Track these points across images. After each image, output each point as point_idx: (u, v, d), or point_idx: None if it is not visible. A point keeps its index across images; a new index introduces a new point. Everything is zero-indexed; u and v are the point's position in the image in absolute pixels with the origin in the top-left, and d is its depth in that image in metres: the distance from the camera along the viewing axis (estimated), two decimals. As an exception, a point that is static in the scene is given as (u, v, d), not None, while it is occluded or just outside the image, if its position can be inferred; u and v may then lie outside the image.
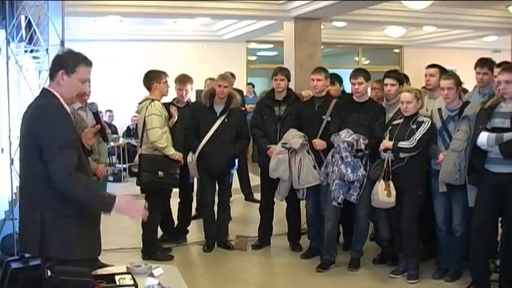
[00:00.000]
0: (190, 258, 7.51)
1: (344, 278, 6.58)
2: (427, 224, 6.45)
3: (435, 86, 6.64)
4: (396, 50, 20.00)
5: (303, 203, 7.41)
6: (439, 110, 6.29)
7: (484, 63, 6.57)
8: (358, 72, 6.73)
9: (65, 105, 3.75)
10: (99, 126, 4.51)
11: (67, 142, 3.55)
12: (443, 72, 6.65)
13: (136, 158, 7.36)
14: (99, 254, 3.96)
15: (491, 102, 5.74)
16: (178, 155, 7.05)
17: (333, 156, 6.53)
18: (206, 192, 7.53)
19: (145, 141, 7.02)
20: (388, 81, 6.74)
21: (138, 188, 7.28)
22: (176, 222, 7.99)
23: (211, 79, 8.52)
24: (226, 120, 7.32)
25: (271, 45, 18.13)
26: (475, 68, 6.66)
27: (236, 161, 7.82)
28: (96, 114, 4.79)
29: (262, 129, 7.36)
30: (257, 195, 7.93)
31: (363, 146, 6.35)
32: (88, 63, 3.82)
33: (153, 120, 6.91)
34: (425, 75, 6.84)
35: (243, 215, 9.42)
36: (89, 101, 6.39)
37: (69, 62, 3.72)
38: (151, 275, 3.94)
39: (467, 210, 6.09)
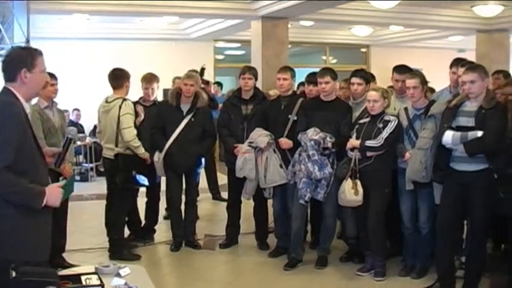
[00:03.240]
0: (157, 258, 7.47)
1: (311, 276, 6.60)
2: (394, 221, 6.49)
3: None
4: (363, 49, 20.13)
5: (270, 202, 7.42)
6: (405, 109, 6.35)
7: (460, 63, 6.59)
8: (325, 72, 6.75)
9: (24, 104, 3.70)
10: (60, 153, 4.41)
11: (6, 141, 3.51)
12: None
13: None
14: (47, 258, 3.87)
15: (456, 101, 5.80)
16: (145, 155, 7.03)
17: (300, 154, 6.54)
18: (173, 191, 7.50)
19: (120, 141, 6.97)
20: (354, 80, 6.78)
21: (105, 187, 7.24)
22: (143, 221, 7.95)
23: (179, 78, 8.50)
24: (193, 119, 7.29)
25: (238, 44, 18.14)
26: (450, 67, 6.71)
27: (203, 160, 7.79)
28: (68, 142, 4.62)
29: (229, 128, 7.36)
30: (224, 194, 7.92)
31: (329, 144, 6.37)
32: (40, 52, 3.80)
33: (128, 119, 6.89)
34: (396, 81, 6.84)
35: (211, 214, 9.41)
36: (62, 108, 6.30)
37: (27, 59, 3.68)
38: (118, 275, 3.93)
39: (433, 208, 6.17)
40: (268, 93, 8.10)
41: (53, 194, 3.68)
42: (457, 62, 6.60)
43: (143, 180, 6.99)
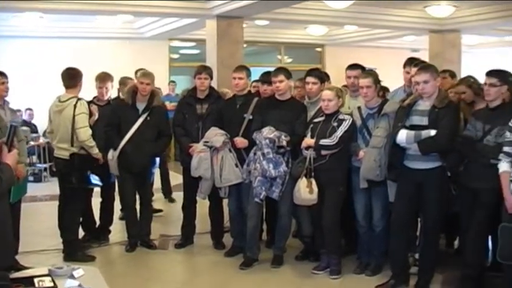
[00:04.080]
0: (112, 258, 7.42)
1: (267, 275, 6.61)
2: (348, 220, 6.55)
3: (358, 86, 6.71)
4: (318, 49, 20.20)
5: (225, 201, 7.41)
6: (359, 108, 6.41)
7: (413, 62, 6.66)
8: (279, 71, 6.77)
9: None
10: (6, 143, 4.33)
11: None
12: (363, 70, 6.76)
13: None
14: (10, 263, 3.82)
15: (410, 100, 5.89)
16: (99, 155, 6.97)
17: (255, 153, 6.55)
18: (127, 191, 7.45)
19: (75, 140, 6.89)
20: (309, 79, 6.81)
21: (57, 187, 7.16)
22: (98, 222, 7.87)
23: (128, 78, 8.50)
24: (148, 118, 7.25)
25: (193, 44, 18.05)
26: (404, 67, 6.78)
27: (157, 159, 7.75)
28: (12, 130, 4.49)
29: (184, 128, 7.33)
30: (180, 194, 7.89)
31: (284, 143, 6.39)
32: None
33: (84, 119, 6.82)
34: (348, 77, 6.91)
35: (166, 213, 9.36)
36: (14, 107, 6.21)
37: None
38: (72, 277, 3.89)
39: (387, 206, 6.25)
40: (223, 92, 8.07)
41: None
42: (410, 62, 6.68)
43: (96, 180, 6.93)
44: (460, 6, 13.63)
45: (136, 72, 7.92)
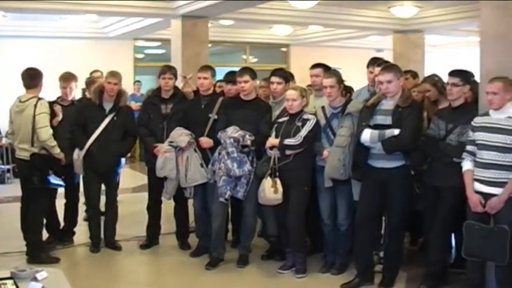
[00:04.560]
0: (77, 260, 7.35)
1: (233, 275, 6.62)
2: (314, 219, 6.57)
3: (321, 85, 6.74)
4: (283, 49, 20.25)
5: (190, 202, 7.39)
6: (323, 107, 6.43)
7: (376, 62, 6.70)
8: (244, 71, 6.78)
9: None
10: None
11: None
12: (328, 70, 6.78)
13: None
14: None
15: (374, 100, 5.94)
16: (61, 155, 6.90)
17: (219, 153, 6.55)
18: (92, 191, 7.39)
19: (35, 140, 6.81)
20: (274, 79, 6.83)
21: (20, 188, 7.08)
22: (62, 223, 7.80)
23: (91, 78, 8.45)
24: (115, 118, 7.21)
25: (158, 43, 18.00)
26: (367, 67, 6.82)
27: (123, 160, 7.71)
28: None
29: (148, 128, 7.29)
30: (145, 195, 7.85)
31: (249, 142, 6.40)
32: None
33: (44, 118, 6.74)
34: (311, 76, 6.94)
35: (131, 214, 9.29)
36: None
37: None
38: (35, 279, 3.86)
39: (351, 204, 6.29)
40: (187, 92, 8.03)
41: None
42: (374, 62, 6.73)
43: (57, 180, 6.86)
44: (423, 6, 13.78)
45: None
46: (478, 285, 5.53)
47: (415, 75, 7.85)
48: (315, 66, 6.96)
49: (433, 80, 6.65)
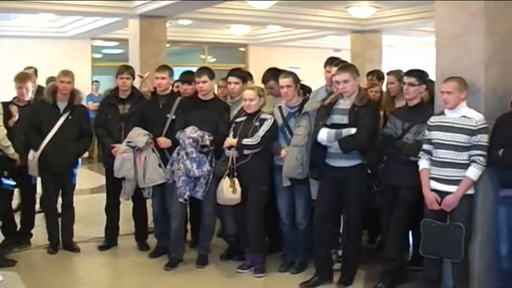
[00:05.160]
0: (34, 263, 7.22)
1: (192, 275, 6.60)
2: (272, 218, 6.59)
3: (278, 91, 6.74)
4: (242, 49, 20.27)
5: (149, 202, 7.35)
6: (280, 107, 6.46)
7: (333, 62, 6.75)
8: (202, 71, 6.76)
9: None
10: None
11: None
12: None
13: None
14: None
15: (331, 99, 5.98)
16: (15, 155, 6.80)
17: (178, 153, 6.53)
18: (49, 192, 7.31)
19: None
20: (231, 79, 6.85)
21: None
22: (19, 225, 7.69)
23: (53, 78, 8.35)
24: (70, 117, 7.14)
25: (116, 43, 17.89)
26: (324, 66, 6.85)
27: (80, 160, 7.64)
28: None
29: (106, 128, 7.23)
30: (103, 195, 7.78)
31: (208, 142, 6.39)
32: None
33: None
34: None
35: (89, 215, 9.20)
36: None
37: None
38: (-11, 283, 3.81)
39: (310, 203, 6.32)
40: (145, 92, 7.99)
41: None
42: (331, 61, 6.76)
43: (9, 181, 6.77)
44: (381, 7, 13.92)
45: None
46: (434, 281, 5.62)
47: (380, 76, 7.93)
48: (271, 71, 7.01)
49: (399, 74, 6.76)
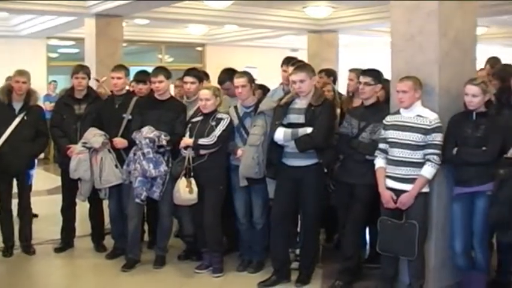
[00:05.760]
0: (-12, 265, 7.15)
1: (149, 276, 6.57)
2: (229, 218, 6.60)
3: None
4: (199, 48, 20.24)
5: (105, 203, 7.29)
6: (235, 107, 6.47)
7: (290, 61, 6.77)
8: (158, 71, 6.73)
9: None
10: None
11: None
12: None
13: None
14: None
15: (287, 99, 6.01)
16: None
17: (134, 153, 6.48)
18: (4, 194, 7.19)
19: None
20: (187, 79, 6.85)
21: None
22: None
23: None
24: (25, 117, 7.04)
25: (72, 42, 17.71)
26: (281, 66, 6.88)
27: (35, 161, 7.54)
28: None
29: (61, 129, 7.15)
30: (59, 197, 7.68)
31: (164, 142, 6.36)
32: None
33: None
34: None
35: (46, 217, 9.10)
36: None
37: None
38: None
39: (267, 203, 6.35)
40: (101, 92, 7.93)
41: None
42: (288, 61, 6.80)
43: None
44: (337, 7, 14.01)
45: None
46: (391, 278, 5.69)
47: (330, 73, 7.97)
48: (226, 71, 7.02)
49: (360, 72, 6.81)
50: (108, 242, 7.42)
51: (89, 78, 7.33)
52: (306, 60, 9.60)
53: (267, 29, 16.60)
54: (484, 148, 5.23)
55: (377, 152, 5.57)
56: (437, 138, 5.27)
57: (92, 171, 6.81)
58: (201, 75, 7.05)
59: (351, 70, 7.23)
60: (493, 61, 7.89)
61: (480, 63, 7.00)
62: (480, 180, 5.24)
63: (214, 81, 7.56)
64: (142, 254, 6.93)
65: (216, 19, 14.63)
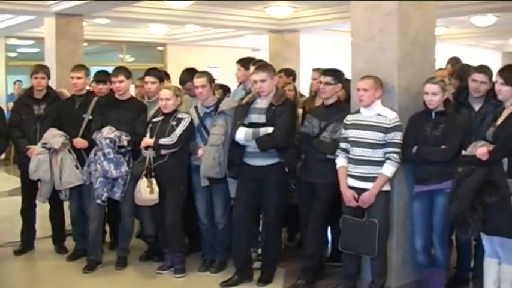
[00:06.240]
0: None
1: (111, 277, 6.53)
2: (191, 218, 6.59)
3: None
4: (160, 48, 20.17)
5: (66, 204, 7.22)
6: (196, 107, 6.46)
7: (242, 61, 6.84)
8: (119, 71, 6.71)
9: None
10: None
11: None
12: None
13: None
14: None
15: (248, 98, 6.03)
16: None
17: (95, 154, 6.44)
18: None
19: None
20: (148, 79, 6.85)
21: None
22: None
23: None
24: None
25: (32, 42, 17.52)
26: (237, 64, 6.90)
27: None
28: None
29: (21, 129, 7.05)
30: (19, 198, 7.60)
31: (125, 143, 6.33)
32: None
33: None
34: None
35: (6, 218, 8.99)
36: None
37: None
38: None
39: (228, 202, 6.36)
40: (61, 92, 7.86)
41: None
42: (242, 61, 6.87)
43: None
44: (298, 7, 14.07)
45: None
46: (353, 276, 5.74)
47: (289, 74, 8.01)
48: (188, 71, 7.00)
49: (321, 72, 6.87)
50: (69, 243, 7.34)
51: (49, 78, 7.24)
52: (267, 60, 9.63)
53: (228, 29, 16.59)
54: (443, 147, 5.30)
55: (338, 151, 5.61)
56: (397, 136, 5.32)
57: (52, 172, 6.74)
58: (162, 75, 7.04)
59: (315, 69, 7.29)
60: (454, 61, 8.00)
61: (439, 63, 7.09)
62: (439, 179, 5.30)
63: (175, 81, 7.54)
64: (104, 255, 6.89)
65: (177, 19, 14.58)
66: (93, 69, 7.39)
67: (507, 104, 4.97)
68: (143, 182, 6.22)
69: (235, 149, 5.95)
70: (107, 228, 7.53)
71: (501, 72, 5.05)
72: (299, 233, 7.17)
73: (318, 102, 6.58)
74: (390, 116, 5.35)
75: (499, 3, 12.08)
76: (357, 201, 5.43)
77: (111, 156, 6.29)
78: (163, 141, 6.20)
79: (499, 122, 4.96)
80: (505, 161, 4.83)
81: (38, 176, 6.80)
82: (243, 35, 18.08)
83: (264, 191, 5.96)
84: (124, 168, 6.35)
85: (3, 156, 12.07)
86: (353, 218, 5.45)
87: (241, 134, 5.82)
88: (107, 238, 7.56)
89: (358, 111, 5.55)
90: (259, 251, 6.53)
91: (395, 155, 5.31)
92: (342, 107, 5.95)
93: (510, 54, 22.22)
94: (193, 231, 6.87)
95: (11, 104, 11.56)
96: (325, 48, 20.17)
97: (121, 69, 6.77)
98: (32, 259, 7.31)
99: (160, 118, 6.40)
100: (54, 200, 7.10)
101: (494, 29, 17.05)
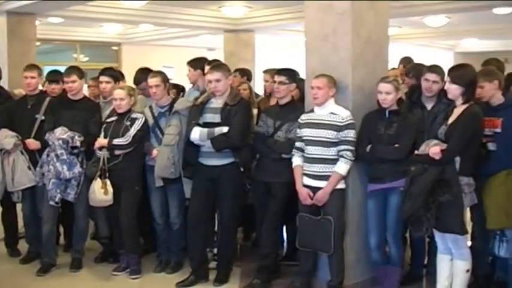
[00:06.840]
0: None
1: (65, 280, 6.47)
2: (146, 218, 6.57)
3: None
4: (114, 47, 20.03)
5: (19, 206, 7.14)
6: (150, 107, 6.44)
7: (192, 62, 6.92)
8: (71, 71, 6.64)
9: None
10: None
11: None
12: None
13: None
14: None
15: (203, 98, 6.03)
16: None
17: (48, 155, 6.37)
18: None
19: None
20: (102, 78, 6.83)
21: None
22: None
23: None
24: None
25: (-17, 41, 17.23)
26: (187, 65, 6.90)
27: None
28: None
29: (-29, 131, 6.95)
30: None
31: (78, 143, 6.27)
32: None
33: None
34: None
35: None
36: None
37: None
38: None
39: (183, 203, 6.35)
40: (13, 92, 7.76)
41: None
42: (198, 62, 6.87)
43: None
44: (253, 7, 14.10)
45: None
46: (307, 273, 5.77)
47: (243, 74, 8.04)
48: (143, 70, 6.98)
49: (274, 72, 6.88)
50: (23, 246, 7.25)
51: (0, 78, 7.14)
52: (222, 60, 9.62)
53: (183, 28, 16.56)
54: (396, 145, 5.36)
55: (294, 151, 5.64)
56: (350, 134, 5.38)
57: (4, 173, 6.64)
58: (117, 75, 7.00)
59: (265, 71, 7.31)
60: (406, 61, 8.11)
61: (393, 63, 7.17)
62: (393, 177, 5.37)
63: (130, 81, 7.50)
64: (58, 258, 6.81)
65: (132, 18, 14.51)
66: (47, 69, 7.30)
67: (457, 103, 5.06)
68: (97, 183, 6.17)
69: (190, 149, 5.95)
70: (61, 230, 7.45)
71: (449, 71, 5.15)
72: (254, 232, 7.18)
73: (273, 101, 6.61)
74: (343, 114, 5.40)
75: (450, 3, 12.29)
76: (312, 199, 5.46)
77: (64, 157, 6.23)
78: (117, 141, 6.16)
79: (450, 120, 5.04)
80: (458, 159, 4.92)
81: (-11, 178, 6.71)
82: (198, 35, 18.05)
83: (219, 191, 5.96)
84: (77, 169, 6.29)
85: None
86: (309, 215, 5.49)
87: (196, 134, 5.81)
88: (61, 240, 7.48)
89: (312, 111, 5.59)
90: (215, 250, 6.52)
91: (348, 153, 5.36)
92: (296, 107, 5.98)
93: (462, 55, 22.56)
94: (148, 231, 6.85)
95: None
96: (281, 48, 20.26)
97: (74, 69, 6.71)
98: (-17, 262, 7.20)
99: (114, 118, 6.36)
100: (7, 201, 7.00)
101: (446, 30, 17.34)
